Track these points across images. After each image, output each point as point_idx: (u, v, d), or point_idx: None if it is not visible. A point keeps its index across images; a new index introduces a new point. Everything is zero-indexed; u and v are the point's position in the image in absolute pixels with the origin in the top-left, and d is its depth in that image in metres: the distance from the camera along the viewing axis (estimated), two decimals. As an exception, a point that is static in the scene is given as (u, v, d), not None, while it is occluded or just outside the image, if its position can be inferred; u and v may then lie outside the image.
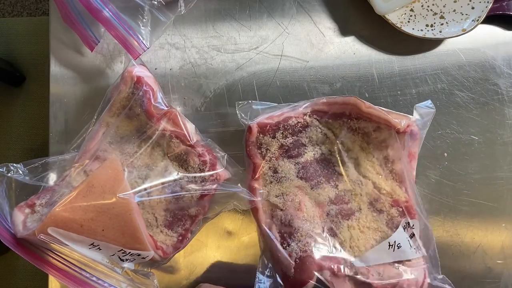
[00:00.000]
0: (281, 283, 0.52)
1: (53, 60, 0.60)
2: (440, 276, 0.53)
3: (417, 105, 0.55)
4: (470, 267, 0.57)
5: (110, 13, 0.52)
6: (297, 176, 0.54)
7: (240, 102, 0.55)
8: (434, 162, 0.58)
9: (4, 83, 1.15)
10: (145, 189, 0.54)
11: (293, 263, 0.51)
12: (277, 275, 0.53)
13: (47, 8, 1.30)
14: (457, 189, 0.58)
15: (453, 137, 0.59)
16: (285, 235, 0.52)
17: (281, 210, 0.53)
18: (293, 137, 0.54)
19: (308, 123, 0.54)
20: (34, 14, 1.31)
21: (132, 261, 0.52)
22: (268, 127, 0.54)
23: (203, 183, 0.53)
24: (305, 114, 0.54)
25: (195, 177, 0.53)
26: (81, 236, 0.48)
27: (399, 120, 0.52)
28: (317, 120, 0.55)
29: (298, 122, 0.54)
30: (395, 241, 0.52)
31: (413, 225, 0.53)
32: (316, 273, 0.50)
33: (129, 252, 0.50)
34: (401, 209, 0.53)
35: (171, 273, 0.57)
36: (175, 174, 0.54)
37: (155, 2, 0.55)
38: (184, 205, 0.53)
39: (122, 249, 0.50)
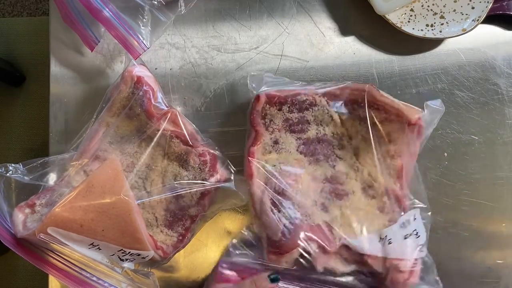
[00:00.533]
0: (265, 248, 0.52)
1: (53, 60, 0.60)
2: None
3: (427, 102, 0.54)
4: (470, 267, 0.57)
5: (110, 13, 0.52)
6: (296, 150, 0.54)
7: (253, 73, 0.55)
8: (434, 162, 0.58)
9: (4, 83, 1.15)
10: (145, 189, 0.54)
11: (281, 228, 0.50)
12: (262, 242, 0.53)
13: (47, 8, 1.30)
14: (457, 189, 0.58)
15: (453, 137, 0.59)
16: (276, 202, 0.52)
17: (276, 179, 0.53)
18: (299, 113, 0.54)
19: (316, 102, 0.54)
20: (34, 14, 1.31)
21: (132, 261, 0.52)
22: (276, 99, 0.54)
23: (203, 183, 0.53)
24: (316, 94, 0.54)
25: (195, 177, 0.53)
26: (81, 236, 0.48)
27: (411, 112, 0.52)
28: (327, 101, 0.54)
29: (307, 99, 0.54)
30: (386, 236, 0.52)
31: (414, 219, 0.52)
32: (302, 243, 0.50)
33: (129, 252, 0.50)
34: (392, 198, 0.53)
35: (171, 273, 0.57)
36: (175, 174, 0.54)
37: (155, 2, 0.55)
38: (185, 205, 0.53)
39: (122, 249, 0.50)
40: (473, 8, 0.58)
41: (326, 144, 0.55)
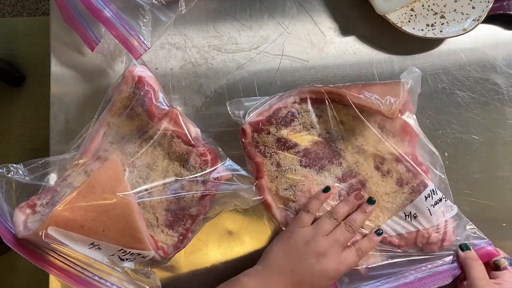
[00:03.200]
0: None
1: (54, 60, 0.60)
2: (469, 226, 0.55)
3: (404, 75, 0.55)
4: (471, 266, 0.57)
5: (111, 13, 0.52)
6: (300, 165, 0.55)
7: (230, 101, 0.55)
8: (435, 162, 0.58)
9: (4, 83, 1.15)
10: (146, 189, 0.54)
11: None
12: None
13: (47, 8, 1.30)
14: (457, 188, 0.58)
15: (454, 136, 0.59)
16: None
17: (293, 201, 0.54)
18: (287, 129, 0.55)
19: (298, 110, 0.55)
20: (34, 14, 1.30)
21: (132, 260, 0.52)
22: (260, 125, 0.54)
23: (204, 183, 0.53)
24: (294, 103, 0.55)
25: (196, 176, 0.53)
26: (81, 236, 0.48)
27: (393, 110, 0.52)
28: (307, 105, 0.55)
29: (288, 111, 0.55)
30: (410, 212, 0.54)
31: (435, 189, 0.54)
32: None
33: (130, 252, 0.50)
34: (408, 164, 0.54)
35: (172, 272, 0.57)
36: (176, 174, 0.54)
37: (156, 2, 0.55)
38: (185, 205, 0.53)
39: (122, 249, 0.50)
40: (473, 8, 0.58)
41: (324, 144, 0.56)
